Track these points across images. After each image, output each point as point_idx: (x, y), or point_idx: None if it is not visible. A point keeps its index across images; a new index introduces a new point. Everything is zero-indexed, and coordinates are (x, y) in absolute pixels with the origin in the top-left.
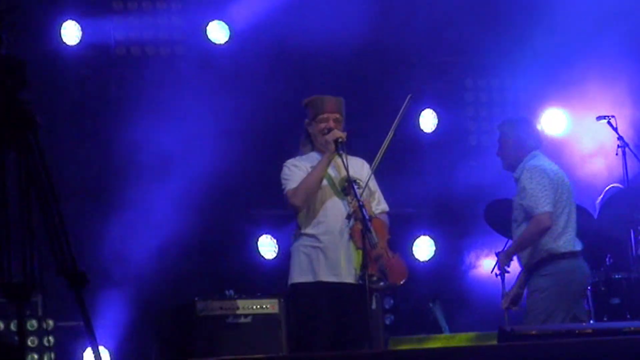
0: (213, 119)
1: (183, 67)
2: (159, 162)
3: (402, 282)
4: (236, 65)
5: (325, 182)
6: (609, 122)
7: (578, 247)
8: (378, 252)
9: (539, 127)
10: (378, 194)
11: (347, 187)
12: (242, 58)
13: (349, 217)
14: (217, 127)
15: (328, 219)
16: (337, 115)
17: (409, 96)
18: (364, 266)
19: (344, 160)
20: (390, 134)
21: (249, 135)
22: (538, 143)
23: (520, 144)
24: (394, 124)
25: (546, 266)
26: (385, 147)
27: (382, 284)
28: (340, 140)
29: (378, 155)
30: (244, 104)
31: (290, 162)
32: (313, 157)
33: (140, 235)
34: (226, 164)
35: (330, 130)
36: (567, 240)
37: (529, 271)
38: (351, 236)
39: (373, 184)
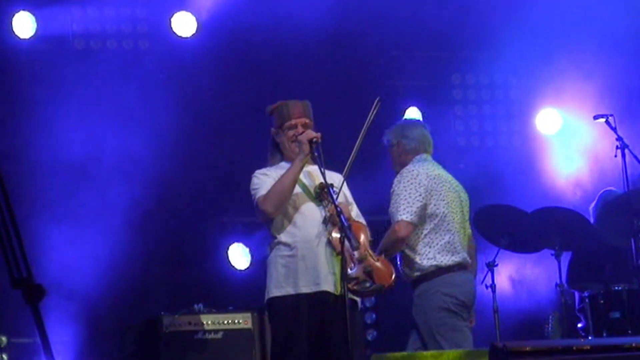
0: (179, 118)
1: (146, 62)
2: (119, 164)
3: (390, 283)
4: (203, 60)
5: (298, 189)
6: (607, 122)
7: (464, 259)
8: (361, 254)
9: (424, 132)
10: (355, 207)
11: (322, 192)
12: (209, 53)
13: (325, 221)
14: (183, 127)
15: (304, 224)
16: (306, 120)
17: (377, 99)
18: (343, 274)
19: (320, 162)
20: (359, 141)
21: (217, 136)
22: (425, 147)
23: (404, 148)
24: (362, 130)
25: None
26: (355, 154)
27: (367, 284)
28: (315, 140)
29: (348, 162)
30: (211, 102)
31: (259, 172)
32: (283, 167)
33: (96, 244)
34: (193, 166)
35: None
36: (447, 255)
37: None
38: (329, 241)
39: (349, 194)
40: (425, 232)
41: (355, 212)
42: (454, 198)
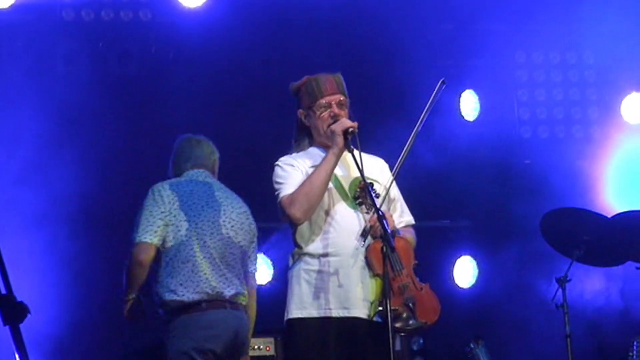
0: (185, 102)
1: (150, 36)
2: (117, 154)
3: (434, 321)
4: (212, 33)
5: (331, 185)
6: None
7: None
8: (403, 281)
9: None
10: (400, 203)
11: (361, 192)
12: (219, 24)
13: (364, 233)
14: (187, 111)
15: (338, 234)
16: (341, 97)
17: (440, 81)
18: (383, 298)
19: (357, 157)
20: (417, 127)
21: (228, 121)
22: (196, 162)
23: (177, 162)
24: (421, 116)
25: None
26: (410, 144)
27: (411, 322)
28: (351, 130)
29: (402, 155)
30: (221, 82)
31: (284, 161)
32: (314, 154)
33: (79, 254)
34: None
35: (335, 118)
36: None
37: None
38: (367, 259)
39: (394, 191)
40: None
41: (399, 212)
42: (217, 216)
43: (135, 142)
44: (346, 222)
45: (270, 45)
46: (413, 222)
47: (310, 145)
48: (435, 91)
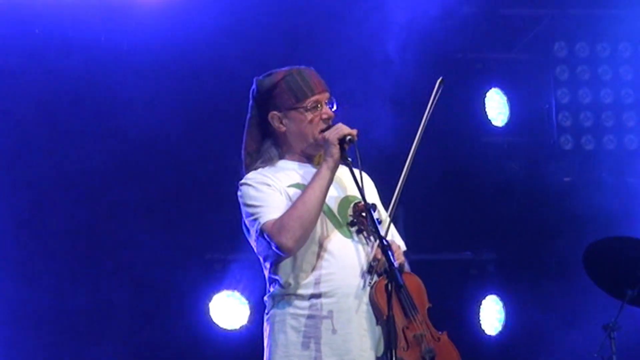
0: (146, 110)
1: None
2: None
3: None
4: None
5: None
6: None
7: None
8: (420, 330)
9: None
10: (393, 229)
11: (357, 217)
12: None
13: (371, 269)
14: (150, 124)
15: (333, 270)
16: (328, 95)
17: (439, 80)
18: (388, 348)
19: (357, 173)
20: (418, 135)
21: (197, 134)
22: None
23: None
24: (422, 123)
25: None
26: (413, 154)
27: None
28: (349, 139)
29: (406, 167)
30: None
31: (254, 179)
32: (287, 169)
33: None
34: (160, 179)
35: (328, 122)
36: None
37: None
38: (373, 301)
39: (384, 211)
40: None
41: (389, 236)
42: None
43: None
44: (342, 255)
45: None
46: (405, 248)
47: (281, 157)
48: (434, 93)
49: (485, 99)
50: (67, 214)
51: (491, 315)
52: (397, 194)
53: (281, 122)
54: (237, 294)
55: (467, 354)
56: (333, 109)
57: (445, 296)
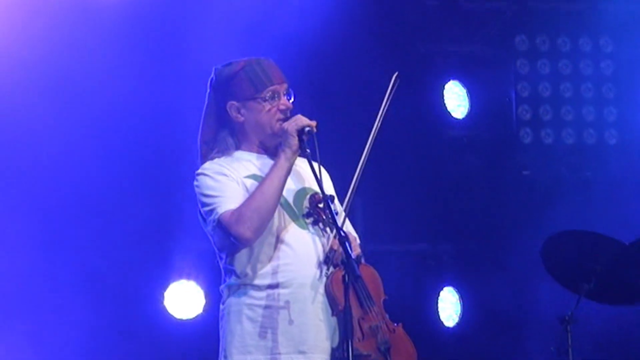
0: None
1: None
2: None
3: None
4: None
5: None
6: None
7: None
8: (374, 321)
9: None
10: (348, 223)
11: (314, 209)
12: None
13: (327, 260)
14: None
15: (290, 261)
16: (286, 86)
17: (394, 75)
18: (344, 340)
19: (315, 166)
20: (374, 132)
21: (153, 122)
22: None
23: None
24: (377, 119)
25: None
26: (368, 150)
27: None
28: (308, 130)
29: (360, 163)
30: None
31: (211, 168)
32: (243, 160)
33: None
34: (116, 168)
35: (286, 112)
36: None
37: None
38: (329, 292)
39: (338, 203)
40: None
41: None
42: None
43: None
44: (299, 246)
45: None
46: (359, 241)
47: (238, 147)
48: (390, 88)
49: (444, 90)
50: (22, 199)
51: (448, 306)
52: (353, 187)
53: (239, 112)
54: (192, 282)
55: (424, 345)
56: (291, 101)
57: (402, 287)
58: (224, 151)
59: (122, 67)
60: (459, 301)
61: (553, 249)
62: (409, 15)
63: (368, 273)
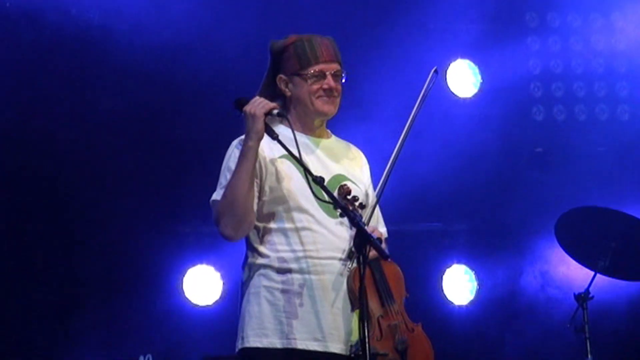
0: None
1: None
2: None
3: None
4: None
5: (301, 181)
6: None
7: None
8: (394, 319)
9: None
10: (377, 211)
11: (343, 199)
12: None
13: (351, 254)
14: (114, 89)
15: (314, 246)
16: (337, 67)
17: (432, 70)
18: (362, 335)
19: (297, 153)
20: (407, 126)
21: (169, 101)
22: None
23: None
24: (412, 114)
25: None
26: (401, 144)
27: None
28: (278, 112)
29: (393, 155)
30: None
31: (237, 142)
32: (285, 137)
33: None
34: (132, 148)
35: (330, 92)
36: None
37: None
38: (349, 286)
39: (372, 194)
40: None
41: (374, 222)
42: None
43: None
44: (326, 235)
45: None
46: (386, 235)
47: (282, 121)
48: (427, 82)
49: (449, 69)
50: (37, 187)
51: (461, 285)
52: (385, 179)
53: (286, 87)
54: (209, 267)
55: (436, 324)
56: (341, 82)
57: (414, 267)
58: (271, 123)
59: None
60: (474, 277)
61: (567, 225)
62: None
63: (391, 270)
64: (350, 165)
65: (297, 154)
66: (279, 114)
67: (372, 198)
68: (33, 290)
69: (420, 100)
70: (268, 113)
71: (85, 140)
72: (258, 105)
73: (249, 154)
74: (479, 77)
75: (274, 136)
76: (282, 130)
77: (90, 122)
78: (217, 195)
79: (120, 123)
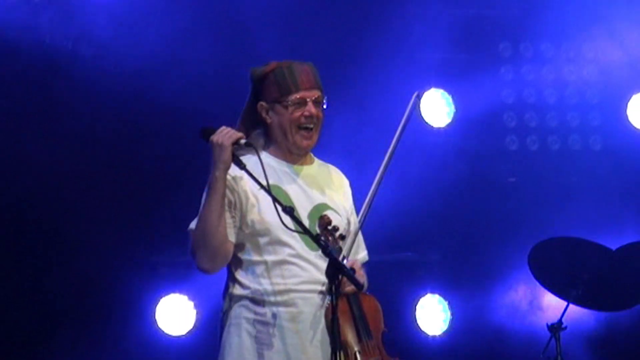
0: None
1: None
2: None
3: None
4: None
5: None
6: None
7: None
8: (371, 355)
9: None
10: (359, 235)
11: (323, 230)
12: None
13: (330, 290)
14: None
15: (296, 278)
16: (318, 94)
17: (414, 94)
18: None
19: (265, 184)
20: (390, 153)
21: (145, 123)
22: None
23: None
24: (394, 140)
25: None
26: (383, 171)
27: None
28: (245, 142)
29: (372, 188)
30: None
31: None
32: (269, 165)
33: None
34: (104, 171)
35: (311, 119)
36: None
37: None
38: (327, 320)
39: (354, 221)
40: None
41: (355, 246)
42: None
43: None
44: (306, 268)
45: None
46: (367, 258)
47: (265, 148)
48: (409, 107)
49: (422, 99)
50: (6, 215)
51: (435, 315)
52: (367, 205)
53: (267, 114)
54: (182, 297)
55: (412, 354)
56: (323, 109)
57: (387, 298)
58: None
59: None
60: (446, 308)
61: (541, 255)
62: (383, 18)
63: (369, 305)
64: (332, 193)
65: (265, 184)
66: (246, 144)
67: (353, 225)
68: (2, 321)
69: (403, 126)
70: (235, 143)
71: (57, 168)
72: (225, 135)
73: (216, 185)
74: (453, 106)
75: (242, 166)
76: (266, 157)
77: (62, 150)
78: (193, 224)
79: (93, 151)
